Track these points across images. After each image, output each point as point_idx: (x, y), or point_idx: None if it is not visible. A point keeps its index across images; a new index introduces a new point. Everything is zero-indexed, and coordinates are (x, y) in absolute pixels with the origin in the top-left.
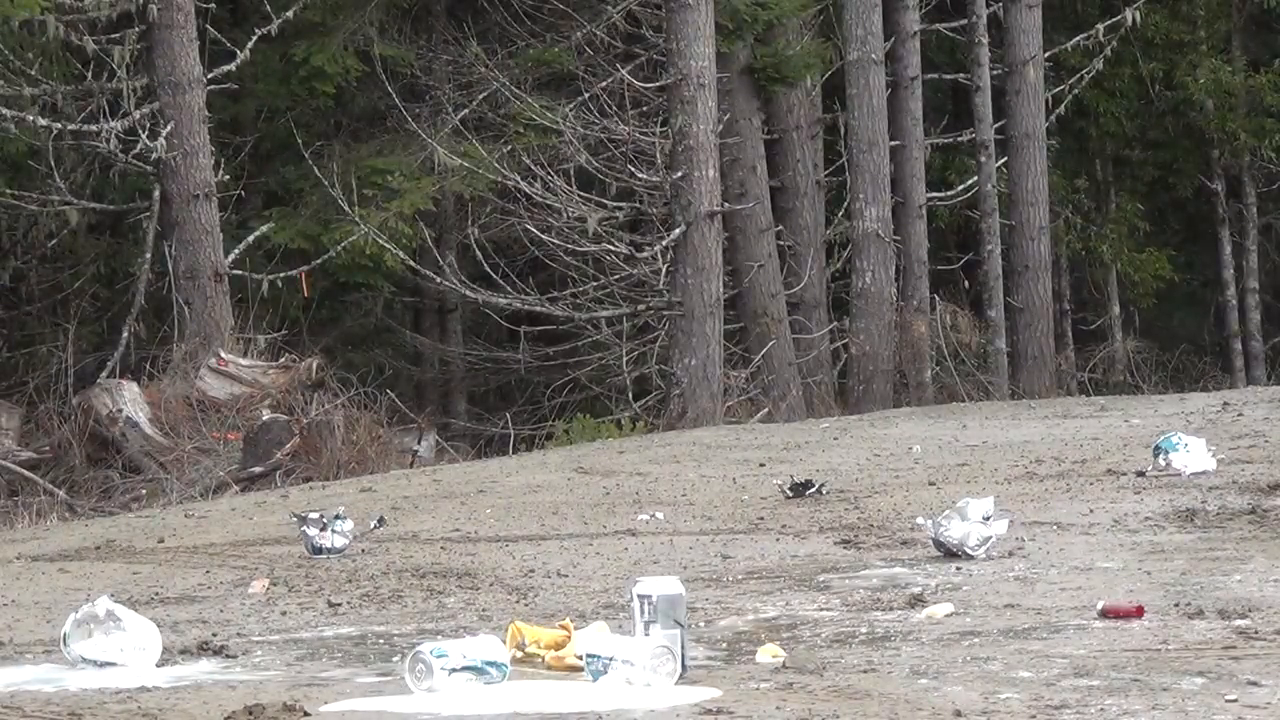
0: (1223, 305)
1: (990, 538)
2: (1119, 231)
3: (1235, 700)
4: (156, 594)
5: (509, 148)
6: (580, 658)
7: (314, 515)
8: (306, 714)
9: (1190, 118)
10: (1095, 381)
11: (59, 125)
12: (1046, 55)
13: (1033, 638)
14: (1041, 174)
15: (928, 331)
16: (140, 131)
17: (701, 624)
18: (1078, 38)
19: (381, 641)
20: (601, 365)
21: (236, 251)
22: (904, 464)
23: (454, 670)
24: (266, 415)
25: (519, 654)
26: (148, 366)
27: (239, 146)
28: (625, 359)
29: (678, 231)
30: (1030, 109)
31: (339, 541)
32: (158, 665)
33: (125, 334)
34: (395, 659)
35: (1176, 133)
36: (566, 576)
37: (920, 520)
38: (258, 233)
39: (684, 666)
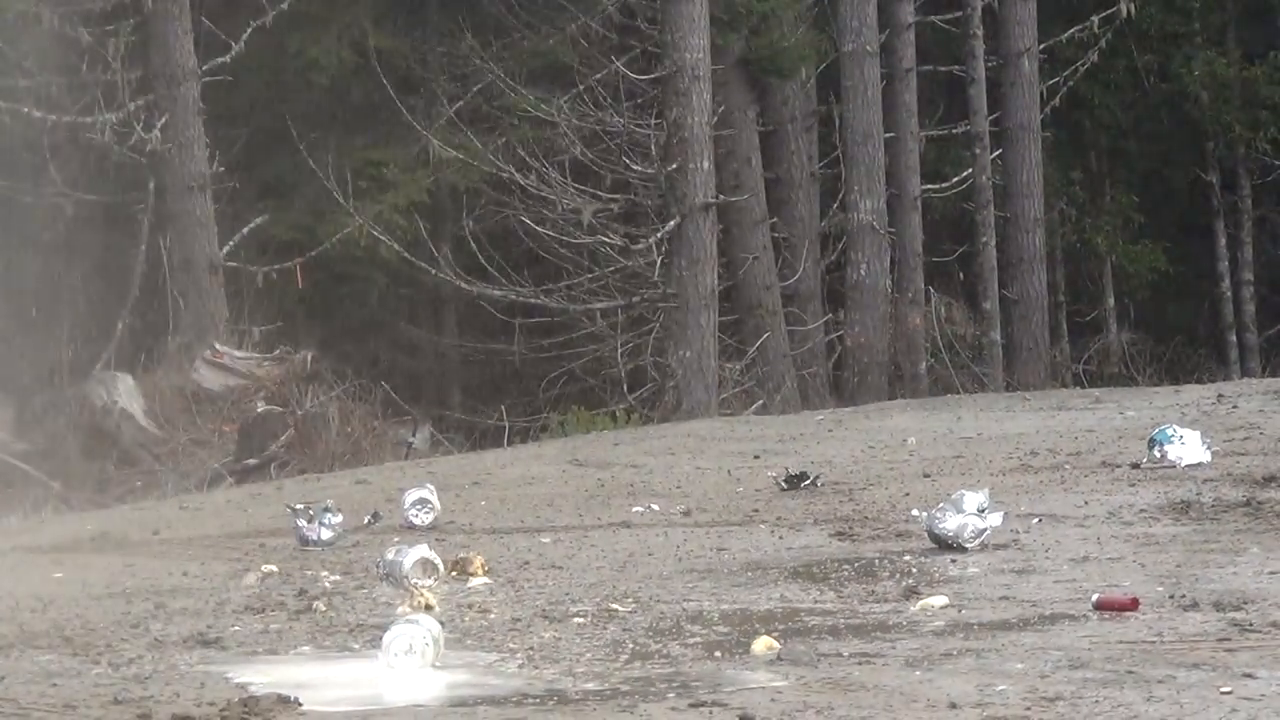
0: (1217, 297)
1: (985, 530)
2: (1114, 223)
3: (1230, 693)
4: (151, 586)
5: (504, 140)
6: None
7: (300, 507)
8: (300, 705)
9: (1185, 110)
10: (1090, 373)
11: (54, 117)
12: (1041, 47)
13: (1027, 630)
14: (1036, 166)
15: (922, 324)
16: (135, 123)
17: (700, 616)
18: (1072, 30)
19: (377, 633)
20: (596, 357)
21: (231, 243)
22: (899, 456)
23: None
24: (261, 407)
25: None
26: (143, 358)
27: (234, 138)
28: (620, 351)
29: (672, 224)
30: (1025, 101)
31: (326, 534)
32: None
33: (120, 326)
34: (379, 646)
35: (1171, 125)
36: (561, 569)
37: (915, 512)
38: (252, 225)
39: None
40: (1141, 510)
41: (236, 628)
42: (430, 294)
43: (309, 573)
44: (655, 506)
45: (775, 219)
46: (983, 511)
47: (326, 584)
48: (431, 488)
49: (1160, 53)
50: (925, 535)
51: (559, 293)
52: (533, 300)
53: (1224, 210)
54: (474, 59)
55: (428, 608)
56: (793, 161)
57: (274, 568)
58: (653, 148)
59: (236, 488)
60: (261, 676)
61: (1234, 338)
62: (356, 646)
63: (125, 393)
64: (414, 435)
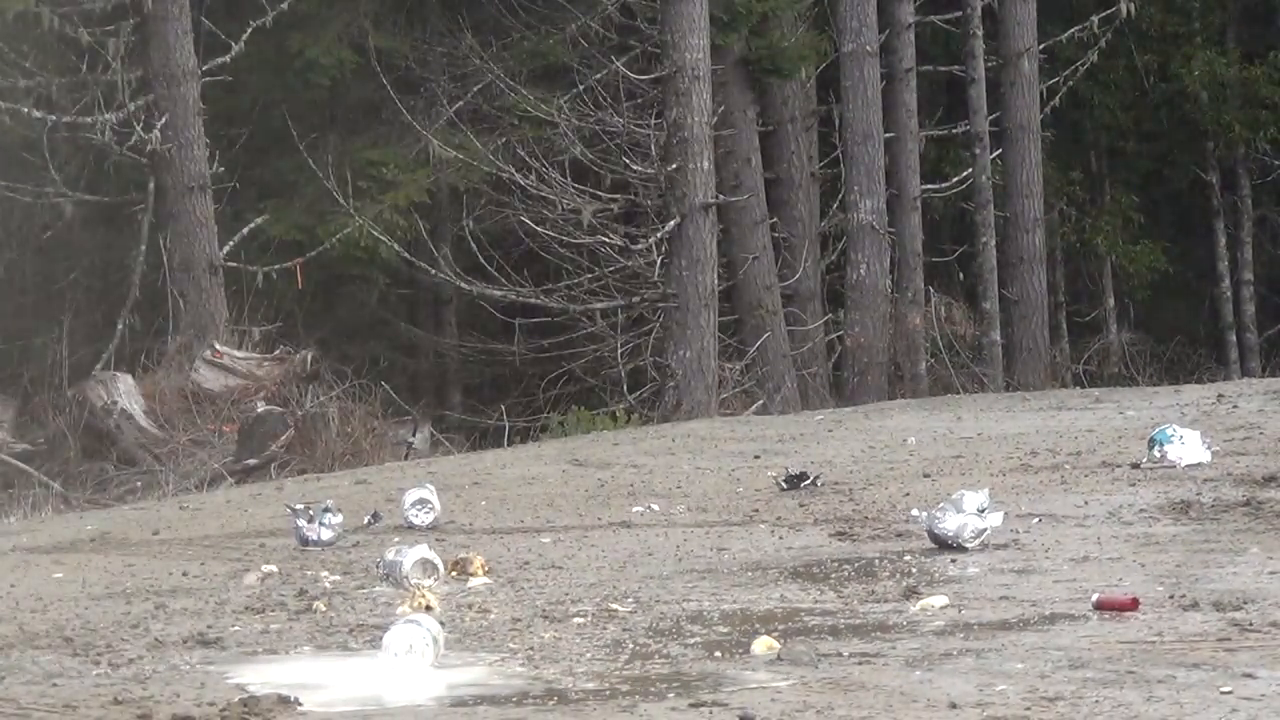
0: (1217, 297)
1: (985, 530)
2: (1113, 224)
3: (1230, 692)
4: (151, 586)
5: (504, 140)
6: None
7: (300, 507)
8: (300, 705)
9: (1185, 110)
10: (1090, 373)
11: (54, 117)
12: (1041, 47)
13: (1027, 630)
14: (1036, 166)
15: (922, 324)
16: (135, 124)
17: (700, 616)
18: (1072, 30)
19: (377, 633)
20: (596, 357)
21: (231, 244)
22: (899, 456)
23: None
24: (261, 407)
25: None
26: (143, 359)
27: (234, 139)
28: (620, 351)
29: (672, 224)
30: (1025, 101)
31: (326, 534)
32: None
33: (120, 326)
34: (379, 646)
35: (1171, 125)
36: (561, 569)
37: (915, 512)
38: (252, 225)
39: None
40: (1141, 510)
41: (236, 628)
42: (430, 294)
43: (309, 573)
44: (655, 506)
45: (775, 219)
46: (983, 511)
47: (326, 584)
48: (431, 488)
49: (1160, 53)
50: (925, 535)
51: (559, 293)
52: (533, 300)
53: (1224, 210)
54: (474, 59)
55: (428, 608)
56: (793, 161)
57: (274, 568)
58: (653, 148)
59: (236, 488)
60: (261, 676)
61: (1234, 338)
62: (356, 646)
63: (125, 393)
64: (414, 435)
